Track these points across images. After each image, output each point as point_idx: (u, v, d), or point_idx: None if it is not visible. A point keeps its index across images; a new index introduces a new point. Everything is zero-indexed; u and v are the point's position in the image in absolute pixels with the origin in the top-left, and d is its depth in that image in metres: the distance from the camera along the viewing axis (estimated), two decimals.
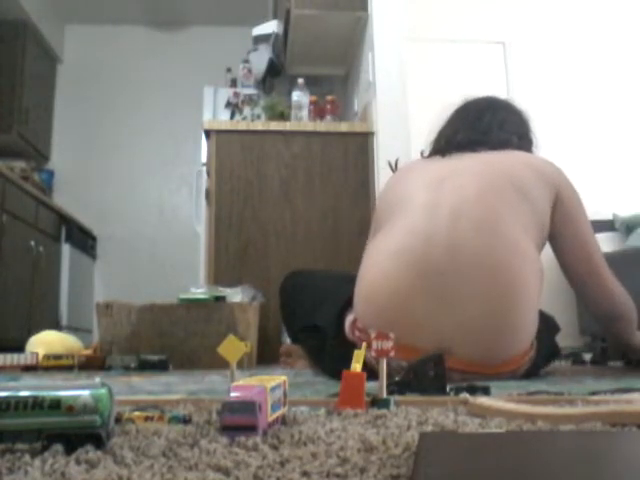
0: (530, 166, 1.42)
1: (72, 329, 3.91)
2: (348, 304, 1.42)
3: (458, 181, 1.38)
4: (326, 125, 2.92)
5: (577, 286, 1.48)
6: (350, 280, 1.47)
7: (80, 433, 0.50)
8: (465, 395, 0.85)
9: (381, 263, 1.33)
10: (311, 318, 1.50)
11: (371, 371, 0.87)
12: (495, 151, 1.47)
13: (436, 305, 1.26)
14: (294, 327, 1.66)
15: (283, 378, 0.68)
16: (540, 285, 1.33)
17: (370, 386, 0.81)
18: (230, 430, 0.55)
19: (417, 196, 1.39)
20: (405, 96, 2.86)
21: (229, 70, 3.80)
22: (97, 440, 0.50)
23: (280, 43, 3.51)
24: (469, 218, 1.31)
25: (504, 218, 1.31)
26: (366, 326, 1.28)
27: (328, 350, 1.42)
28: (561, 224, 1.41)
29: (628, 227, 3.62)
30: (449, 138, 1.54)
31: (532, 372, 1.39)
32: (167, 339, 2.00)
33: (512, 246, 1.29)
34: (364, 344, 0.85)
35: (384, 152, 2.73)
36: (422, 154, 1.60)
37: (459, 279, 1.26)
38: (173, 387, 1.20)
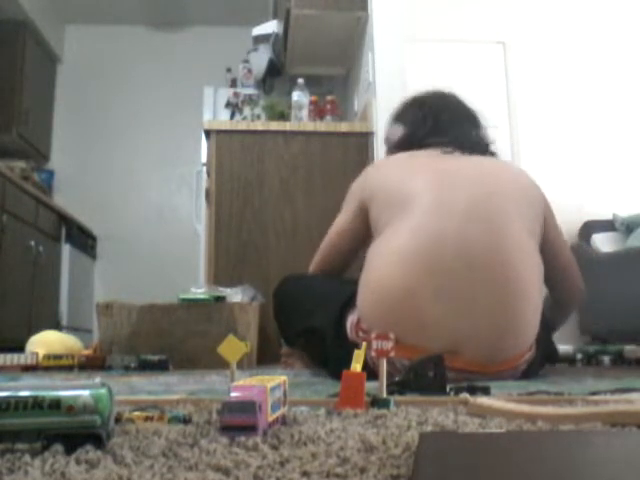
0: (526, 180, 1.50)
1: (72, 329, 3.91)
2: (347, 305, 1.42)
3: (465, 181, 1.40)
4: (326, 125, 2.92)
5: (551, 286, 1.59)
6: (346, 282, 1.47)
7: (80, 433, 0.50)
8: (465, 395, 0.85)
9: (390, 264, 1.32)
10: (309, 321, 1.49)
11: (371, 372, 0.86)
12: (484, 156, 1.54)
13: (446, 305, 1.26)
14: (291, 331, 1.65)
15: (283, 378, 0.68)
16: (542, 285, 1.38)
17: (370, 386, 0.81)
18: (230, 430, 0.55)
19: (422, 195, 1.38)
20: (405, 96, 2.86)
21: (229, 70, 3.80)
22: (97, 440, 0.50)
23: (280, 43, 3.51)
24: (479, 219, 1.32)
25: (512, 220, 1.35)
26: (373, 327, 1.27)
27: (329, 353, 1.41)
28: (544, 242, 1.47)
29: (628, 227, 3.62)
30: (426, 136, 1.58)
31: (531, 371, 1.40)
32: (167, 339, 2.00)
33: (518, 247, 1.32)
34: (364, 344, 0.85)
35: (384, 152, 2.73)
36: (388, 153, 1.65)
37: (469, 279, 1.27)
38: (173, 387, 1.20)
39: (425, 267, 1.28)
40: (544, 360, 1.51)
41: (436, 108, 1.63)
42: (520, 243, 1.33)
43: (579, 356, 1.99)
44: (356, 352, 0.83)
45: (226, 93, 3.59)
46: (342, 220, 1.61)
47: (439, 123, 1.60)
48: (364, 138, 2.84)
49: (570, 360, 1.97)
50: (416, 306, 1.26)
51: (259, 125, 2.89)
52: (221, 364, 1.17)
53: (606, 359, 1.94)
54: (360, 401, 0.77)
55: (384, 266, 1.33)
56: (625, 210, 3.74)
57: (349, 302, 1.41)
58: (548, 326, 1.51)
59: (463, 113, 1.64)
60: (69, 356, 1.87)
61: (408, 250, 1.31)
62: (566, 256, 1.56)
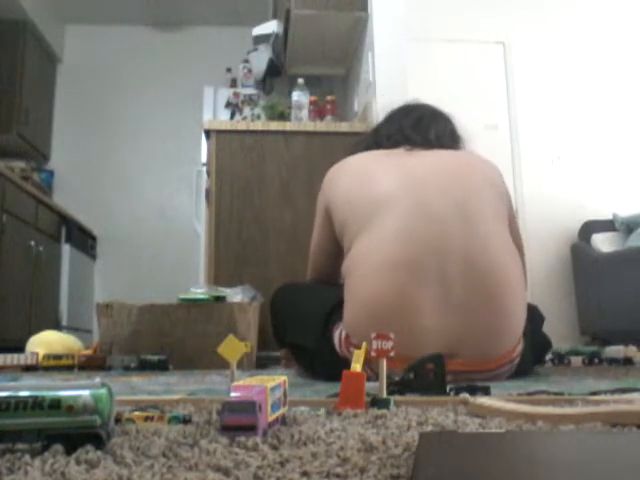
0: (493, 172, 1.48)
1: (72, 329, 3.91)
2: (330, 320, 1.39)
3: (437, 181, 1.37)
4: (326, 125, 2.92)
5: None
6: (330, 295, 1.43)
7: (80, 433, 0.50)
8: (465, 395, 0.85)
9: (376, 278, 1.28)
10: (297, 337, 1.46)
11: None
12: (448, 150, 1.50)
13: (438, 313, 1.25)
14: (284, 342, 1.63)
15: (283, 378, 0.68)
16: (523, 278, 1.39)
17: (370, 386, 0.81)
18: (230, 430, 0.55)
19: (395, 200, 1.34)
20: (405, 96, 2.86)
21: (229, 70, 3.80)
22: (97, 440, 0.50)
23: (280, 43, 3.51)
24: (458, 221, 1.31)
25: (489, 217, 1.35)
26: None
27: (319, 369, 1.40)
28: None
29: (628, 227, 3.62)
30: (393, 134, 1.55)
31: (527, 364, 1.41)
32: (167, 339, 2.00)
33: (498, 245, 1.33)
34: (364, 343, 0.85)
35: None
36: (353, 152, 1.58)
37: (458, 284, 1.26)
38: (173, 387, 1.20)
39: (412, 277, 1.25)
40: (540, 352, 1.51)
41: (409, 108, 1.63)
42: (499, 241, 1.34)
43: (549, 356, 1.99)
44: (356, 352, 0.83)
45: (226, 93, 3.59)
46: (315, 235, 1.59)
47: (408, 119, 1.57)
48: None
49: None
50: (408, 317, 1.24)
51: (259, 125, 2.89)
52: (221, 364, 1.17)
53: (576, 360, 1.96)
54: (360, 401, 0.77)
55: (369, 280, 1.29)
56: (625, 210, 3.74)
57: (332, 317, 1.38)
58: (537, 317, 1.51)
59: (436, 112, 1.62)
60: (69, 356, 1.87)
61: (392, 261, 1.27)
62: (520, 243, 1.52)
